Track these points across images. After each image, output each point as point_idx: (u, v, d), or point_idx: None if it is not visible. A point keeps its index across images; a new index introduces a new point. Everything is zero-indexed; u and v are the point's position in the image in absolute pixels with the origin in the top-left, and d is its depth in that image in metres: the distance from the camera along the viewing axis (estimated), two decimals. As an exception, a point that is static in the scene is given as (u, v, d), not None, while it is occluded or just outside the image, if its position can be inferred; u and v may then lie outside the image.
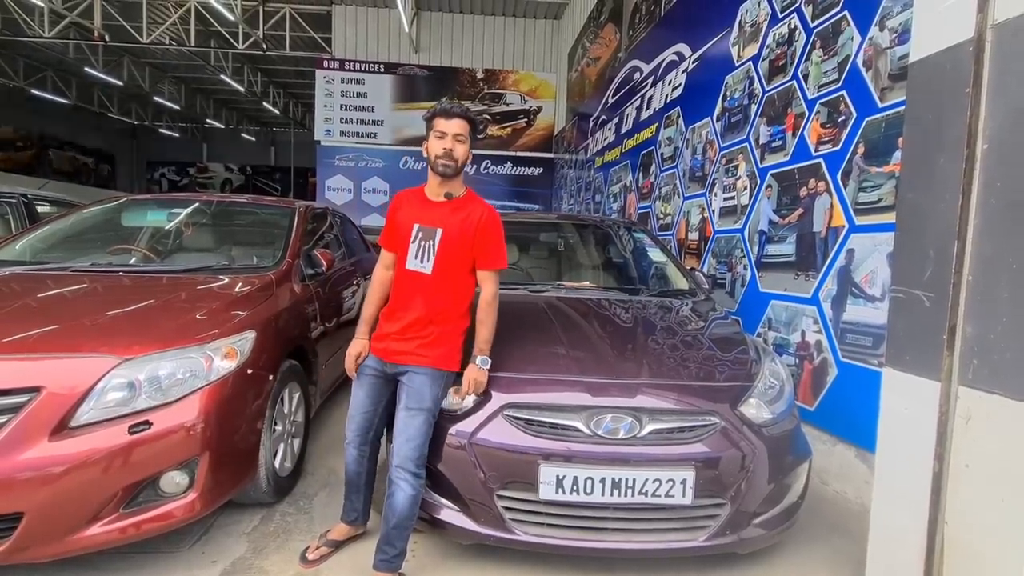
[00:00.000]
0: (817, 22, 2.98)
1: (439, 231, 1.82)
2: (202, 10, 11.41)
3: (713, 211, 4.11)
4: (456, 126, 1.81)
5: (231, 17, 10.21)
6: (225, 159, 25.46)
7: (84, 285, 2.25)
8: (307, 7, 11.51)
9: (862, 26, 2.63)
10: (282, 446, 2.38)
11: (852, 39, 2.69)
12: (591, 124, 8.27)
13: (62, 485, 1.54)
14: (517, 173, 11.85)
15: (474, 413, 1.87)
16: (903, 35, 2.38)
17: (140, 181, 24.99)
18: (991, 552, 1.41)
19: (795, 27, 3.17)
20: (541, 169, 11.81)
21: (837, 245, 2.74)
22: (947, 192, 1.53)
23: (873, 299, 2.51)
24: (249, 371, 2.00)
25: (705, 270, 4.05)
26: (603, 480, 1.75)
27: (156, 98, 17.75)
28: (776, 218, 3.28)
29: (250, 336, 2.06)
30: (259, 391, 2.09)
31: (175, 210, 3.24)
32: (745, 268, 3.61)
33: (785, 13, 3.28)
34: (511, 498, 1.80)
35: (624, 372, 1.97)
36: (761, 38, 3.53)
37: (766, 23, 3.49)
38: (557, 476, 1.74)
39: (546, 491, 1.75)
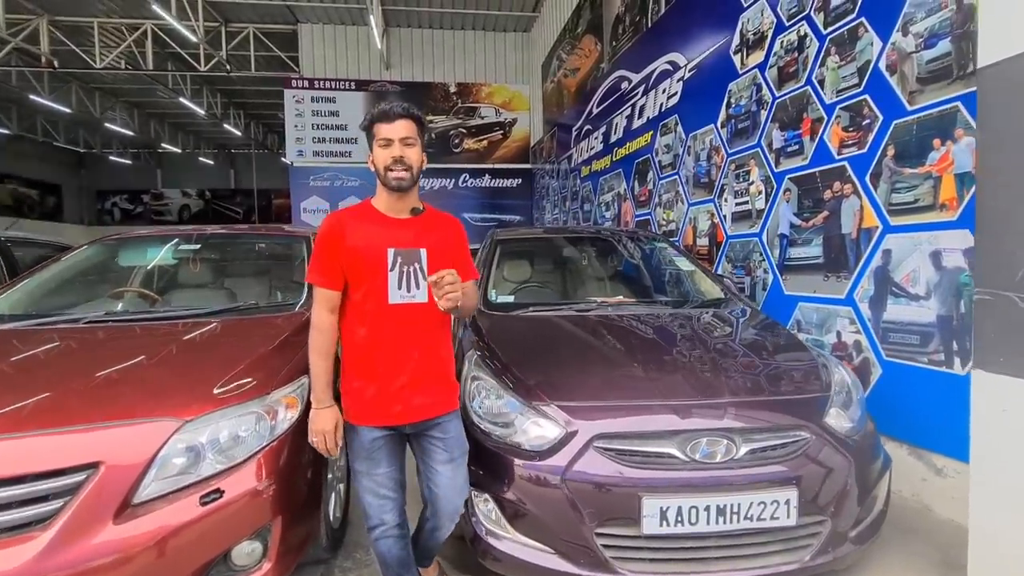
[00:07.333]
0: (830, 29, 3.04)
1: (423, 252, 1.57)
2: (160, 32, 10.96)
3: (724, 216, 4.14)
4: (402, 128, 1.54)
5: (193, 39, 9.82)
6: (182, 184, 24.48)
7: (109, 338, 2.04)
8: (272, 26, 11.23)
9: (882, 32, 2.70)
10: (333, 495, 2.22)
11: (872, 44, 2.75)
12: (573, 134, 8.31)
13: (132, 574, 1.36)
14: (496, 185, 11.82)
15: (562, 448, 1.77)
16: (930, 40, 2.44)
17: (90, 212, 23.75)
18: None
19: (805, 34, 3.24)
20: (519, 180, 11.82)
21: (871, 246, 2.78)
22: (1035, 194, 1.54)
23: (917, 298, 2.54)
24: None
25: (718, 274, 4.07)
26: (707, 508, 1.67)
27: (107, 124, 16.91)
28: (798, 221, 3.32)
29: (306, 381, 1.89)
30: (317, 440, 1.93)
31: (181, 246, 3.02)
32: (766, 271, 3.64)
33: (793, 21, 3.35)
34: (612, 535, 1.70)
35: (707, 391, 1.91)
36: (767, 46, 3.59)
37: (771, 31, 3.55)
38: (661, 508, 1.66)
39: (650, 525, 1.66)
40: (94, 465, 1.40)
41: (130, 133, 18.31)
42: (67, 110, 15.16)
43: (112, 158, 22.38)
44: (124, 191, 24.12)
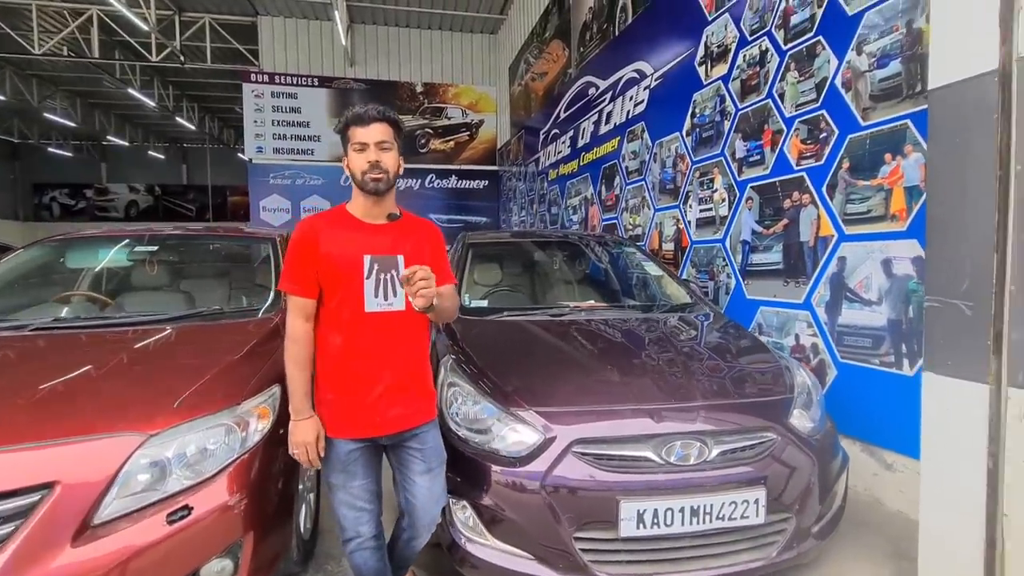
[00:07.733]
0: (790, 45, 3.18)
1: (400, 259, 1.54)
2: (107, 19, 10.36)
3: (689, 222, 4.26)
4: (377, 132, 1.51)
5: (144, 27, 9.33)
6: (129, 179, 23.23)
7: (60, 346, 1.92)
8: (229, 17, 10.80)
9: (838, 50, 2.84)
10: (304, 506, 2.16)
11: (829, 62, 2.90)
12: (541, 138, 8.37)
13: (92, 600, 1.28)
14: (462, 187, 11.77)
15: (540, 454, 1.78)
16: (882, 59, 2.59)
17: (26, 206, 22.22)
18: (1050, 538, 1.53)
19: (767, 49, 3.37)
20: (486, 182, 11.80)
21: (827, 253, 2.92)
22: (980, 208, 1.66)
23: (869, 303, 2.69)
24: (281, 431, 1.78)
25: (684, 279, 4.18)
26: (682, 509, 1.72)
27: (46, 114, 15.84)
28: (760, 228, 3.46)
29: (276, 391, 1.84)
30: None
31: (136, 248, 2.87)
32: (729, 276, 3.77)
33: (755, 36, 3.48)
34: (590, 539, 1.72)
35: (679, 395, 1.96)
36: (730, 59, 3.72)
37: (735, 45, 3.68)
38: (638, 511, 1.70)
39: (627, 528, 1.70)
40: (49, 485, 1.31)
41: (72, 124, 17.23)
42: (0, 97, 14.14)
43: (51, 150, 21.01)
44: (64, 185, 22.68)
